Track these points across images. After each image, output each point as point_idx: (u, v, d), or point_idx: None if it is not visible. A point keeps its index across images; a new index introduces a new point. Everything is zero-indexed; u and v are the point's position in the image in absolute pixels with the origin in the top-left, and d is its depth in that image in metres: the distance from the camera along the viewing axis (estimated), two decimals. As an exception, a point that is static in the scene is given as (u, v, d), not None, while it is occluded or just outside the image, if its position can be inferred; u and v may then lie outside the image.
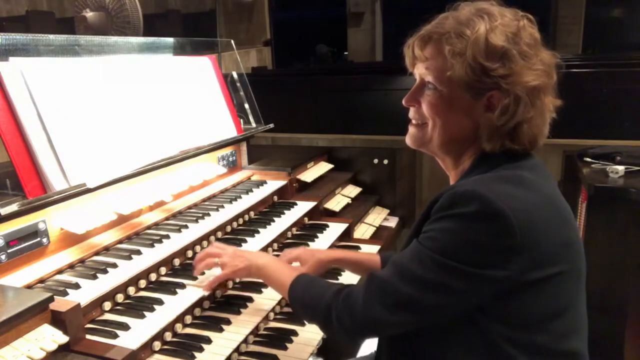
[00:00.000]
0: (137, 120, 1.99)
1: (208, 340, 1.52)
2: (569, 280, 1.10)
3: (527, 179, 1.10)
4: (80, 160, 1.70)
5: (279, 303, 1.78)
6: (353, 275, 2.02)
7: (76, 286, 1.49)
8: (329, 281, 1.34)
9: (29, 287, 1.47)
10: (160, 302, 1.56)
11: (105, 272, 1.58)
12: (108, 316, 1.50)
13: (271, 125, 2.81)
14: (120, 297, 1.55)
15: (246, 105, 2.80)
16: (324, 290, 1.25)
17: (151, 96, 2.11)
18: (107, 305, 1.51)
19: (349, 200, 2.92)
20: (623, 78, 3.47)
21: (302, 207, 2.47)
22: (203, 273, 1.71)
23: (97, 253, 1.72)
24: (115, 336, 1.39)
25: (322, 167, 3.08)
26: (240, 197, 2.32)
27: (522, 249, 1.01)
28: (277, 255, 1.83)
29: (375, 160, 3.25)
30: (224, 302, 1.74)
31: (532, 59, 1.12)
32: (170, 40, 2.55)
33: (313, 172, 2.93)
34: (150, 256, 1.71)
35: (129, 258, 1.67)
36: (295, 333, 1.66)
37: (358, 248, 2.37)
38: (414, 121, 1.28)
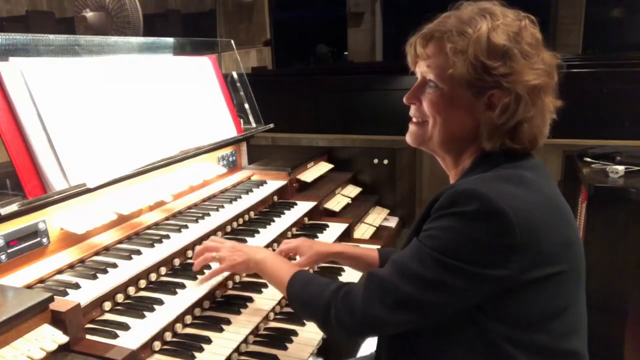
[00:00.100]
0: (137, 120, 1.99)
1: (208, 340, 1.52)
2: (569, 280, 1.11)
3: (528, 179, 1.10)
4: (80, 160, 1.70)
5: (279, 303, 1.78)
6: (354, 275, 2.02)
7: (76, 286, 1.49)
8: (328, 279, 1.34)
9: (29, 287, 1.47)
10: (160, 302, 1.56)
11: (105, 272, 1.58)
12: (108, 316, 1.50)
13: (271, 125, 2.81)
14: (120, 297, 1.55)
15: (246, 105, 2.80)
16: (323, 288, 1.25)
17: (151, 96, 2.11)
18: (107, 305, 1.51)
19: (349, 200, 2.92)
20: (623, 78, 3.47)
21: (302, 207, 2.48)
22: (202, 272, 1.71)
23: (97, 253, 1.72)
24: (115, 336, 1.39)
25: (322, 167, 3.08)
26: (240, 197, 2.32)
27: (522, 248, 1.02)
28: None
29: (375, 160, 3.25)
30: (224, 302, 1.74)
31: (533, 58, 1.12)
32: (170, 40, 2.55)
33: (313, 172, 2.93)
34: (150, 256, 1.71)
35: (129, 258, 1.67)
36: (295, 333, 1.66)
37: (358, 248, 2.37)
38: (414, 119, 1.28)
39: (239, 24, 8.61)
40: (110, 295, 1.52)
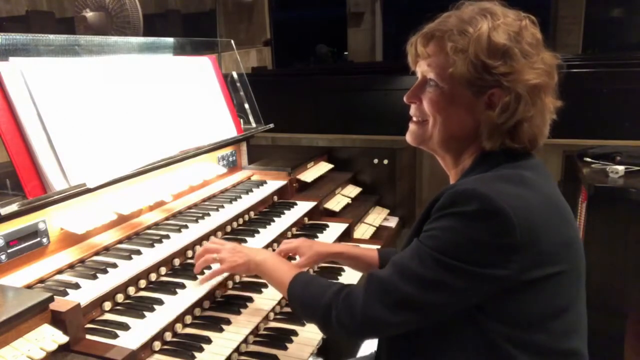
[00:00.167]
0: (137, 120, 1.99)
1: (208, 340, 1.52)
2: (569, 280, 1.11)
3: (528, 179, 1.10)
4: (80, 160, 1.70)
5: (279, 303, 1.78)
6: (354, 275, 2.02)
7: (76, 286, 1.49)
8: (329, 280, 1.34)
9: (29, 287, 1.47)
10: (160, 302, 1.56)
11: (105, 272, 1.58)
12: (108, 316, 1.50)
13: (271, 125, 2.81)
14: (120, 297, 1.55)
15: (246, 105, 2.80)
16: (324, 289, 1.25)
17: (151, 96, 2.11)
18: (107, 305, 1.51)
19: (349, 200, 2.92)
20: (623, 78, 3.47)
21: (302, 207, 2.48)
22: (203, 273, 1.71)
23: (97, 253, 1.72)
24: (115, 336, 1.39)
25: (322, 167, 3.08)
26: (240, 197, 2.32)
27: (523, 247, 1.02)
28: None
29: (375, 160, 3.25)
30: (224, 302, 1.74)
31: (534, 57, 1.13)
32: (170, 40, 2.55)
33: (313, 172, 2.93)
34: (150, 256, 1.71)
35: (129, 258, 1.67)
36: (295, 333, 1.66)
37: (358, 248, 2.37)
38: (414, 118, 1.28)
39: (239, 24, 8.61)
40: (110, 295, 1.52)
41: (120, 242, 1.81)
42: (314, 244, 1.72)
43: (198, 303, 1.65)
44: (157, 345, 1.47)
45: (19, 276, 1.50)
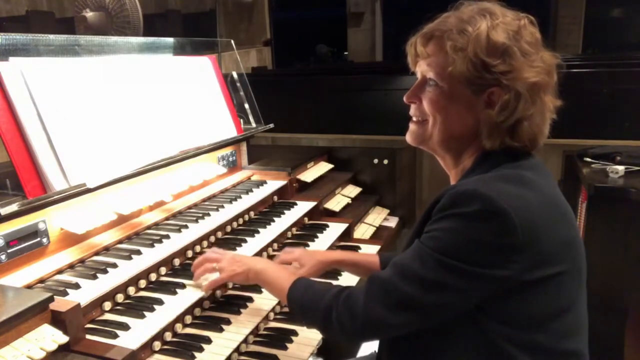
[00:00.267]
0: (137, 120, 1.99)
1: (208, 340, 1.52)
2: (570, 280, 1.10)
3: (528, 179, 1.10)
4: (80, 160, 1.70)
5: (279, 303, 1.77)
6: (353, 276, 2.02)
7: (76, 286, 1.49)
8: (329, 283, 1.33)
9: (29, 287, 1.47)
10: (160, 302, 1.56)
11: (105, 272, 1.58)
12: (108, 316, 1.50)
13: (271, 125, 2.81)
14: (120, 297, 1.55)
15: (246, 105, 2.80)
16: (324, 292, 1.24)
17: (151, 96, 2.11)
18: (107, 305, 1.51)
19: (349, 200, 2.92)
20: (623, 78, 3.47)
21: (302, 207, 2.47)
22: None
23: (97, 253, 1.72)
24: (115, 336, 1.39)
25: (322, 167, 3.08)
26: (240, 197, 2.32)
27: (524, 248, 1.01)
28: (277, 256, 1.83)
29: (375, 160, 3.25)
30: (224, 302, 1.74)
31: (532, 56, 1.13)
32: (170, 40, 2.55)
33: (313, 172, 2.93)
34: (150, 256, 1.71)
35: (129, 258, 1.67)
36: (295, 333, 1.66)
37: (358, 248, 2.37)
38: (414, 118, 1.28)
39: (239, 24, 8.60)
40: (110, 295, 1.52)
41: (120, 242, 1.81)
42: (314, 253, 1.72)
43: (198, 303, 1.65)
44: (157, 345, 1.47)
45: (19, 276, 1.50)
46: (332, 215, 2.69)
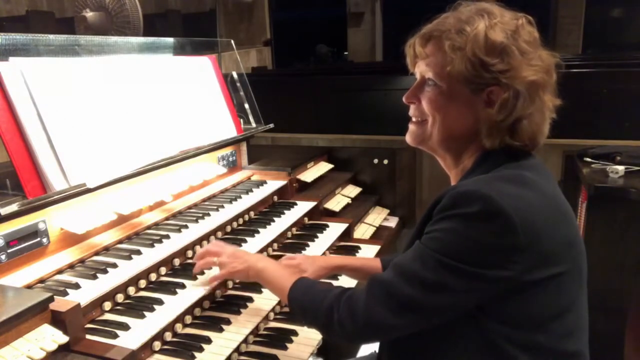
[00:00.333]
0: (137, 120, 1.99)
1: (208, 340, 1.52)
2: (571, 280, 1.10)
3: (529, 179, 1.10)
4: (80, 160, 1.70)
5: (279, 303, 1.78)
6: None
7: (76, 286, 1.49)
8: (330, 284, 1.33)
9: (29, 287, 1.47)
10: (160, 302, 1.56)
11: (105, 272, 1.58)
12: (108, 316, 1.50)
13: (271, 125, 2.81)
14: (120, 297, 1.55)
15: (246, 105, 2.80)
16: (325, 293, 1.24)
17: (151, 96, 2.11)
18: (107, 305, 1.51)
19: (349, 200, 2.92)
20: (623, 78, 3.47)
21: (302, 207, 2.47)
22: (203, 272, 1.71)
23: (97, 253, 1.72)
24: (115, 336, 1.39)
25: (322, 167, 3.08)
26: (240, 197, 2.32)
27: (525, 248, 1.01)
28: (277, 256, 1.83)
29: (375, 160, 3.25)
30: (224, 302, 1.74)
31: (531, 55, 1.13)
32: (170, 40, 2.55)
33: (313, 172, 2.93)
34: (150, 256, 1.71)
35: (129, 258, 1.67)
36: (295, 333, 1.66)
37: (358, 248, 2.37)
38: (414, 119, 1.28)
39: (239, 24, 8.60)
40: (110, 295, 1.52)
41: (120, 242, 1.81)
42: (316, 259, 1.72)
43: (198, 303, 1.65)
44: (157, 345, 1.47)
45: (19, 276, 1.50)
46: (332, 215, 2.69)
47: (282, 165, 2.69)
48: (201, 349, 1.48)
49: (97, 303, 1.49)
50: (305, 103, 4.22)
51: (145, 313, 1.50)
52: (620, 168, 2.52)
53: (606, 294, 2.35)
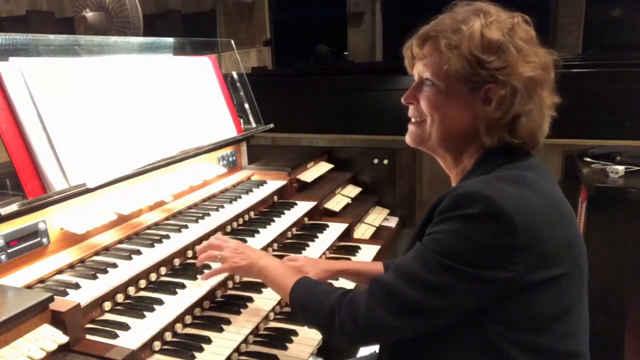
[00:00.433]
0: (137, 120, 1.99)
1: (208, 340, 1.52)
2: (572, 281, 1.10)
3: (529, 179, 1.10)
4: (80, 160, 1.70)
5: (279, 303, 1.77)
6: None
7: (76, 286, 1.49)
8: (332, 285, 1.33)
9: (29, 287, 1.47)
10: (160, 302, 1.56)
11: (105, 272, 1.58)
12: (108, 316, 1.50)
13: (271, 125, 2.81)
14: (120, 297, 1.55)
15: (246, 105, 2.80)
16: (327, 294, 1.24)
17: (151, 96, 2.11)
18: (107, 305, 1.51)
19: (349, 200, 2.92)
20: (623, 78, 3.47)
21: (302, 207, 2.47)
22: (209, 267, 1.71)
23: (97, 253, 1.72)
24: (115, 336, 1.39)
25: (322, 167, 3.08)
26: (240, 197, 2.32)
27: (526, 249, 1.01)
28: (277, 256, 1.83)
29: (375, 160, 3.25)
30: (224, 302, 1.74)
31: (527, 52, 1.14)
32: (170, 40, 2.55)
33: (313, 172, 2.93)
34: (150, 256, 1.71)
35: (129, 258, 1.67)
36: (295, 333, 1.66)
37: (358, 248, 2.37)
38: (413, 119, 1.29)
39: (239, 24, 8.60)
40: (110, 295, 1.52)
41: (120, 242, 1.81)
42: (318, 262, 1.72)
43: (198, 303, 1.65)
44: (157, 345, 1.47)
45: (19, 276, 1.50)
46: (332, 215, 2.69)
47: (282, 165, 2.69)
48: (201, 349, 1.47)
49: (97, 303, 1.49)
50: (305, 103, 4.22)
51: (145, 313, 1.50)
52: (620, 168, 2.51)
53: (606, 294, 2.35)
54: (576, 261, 1.12)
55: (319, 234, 2.34)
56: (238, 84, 2.80)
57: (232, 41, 3.13)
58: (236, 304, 1.71)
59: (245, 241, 2.01)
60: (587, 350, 1.17)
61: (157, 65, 2.23)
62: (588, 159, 2.76)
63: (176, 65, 2.36)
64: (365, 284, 1.72)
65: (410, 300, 1.08)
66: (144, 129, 2.00)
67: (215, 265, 1.67)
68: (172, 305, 1.56)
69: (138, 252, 1.71)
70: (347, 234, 2.49)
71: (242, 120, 2.71)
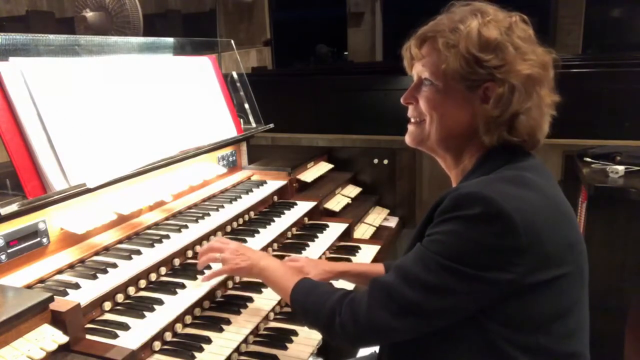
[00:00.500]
0: (137, 120, 1.99)
1: (208, 340, 1.52)
2: (573, 281, 1.10)
3: (530, 180, 1.10)
4: (80, 160, 1.70)
5: (279, 303, 1.77)
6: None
7: (76, 286, 1.49)
8: (333, 286, 1.33)
9: (29, 287, 1.47)
10: (160, 302, 1.56)
11: (105, 272, 1.58)
12: (108, 316, 1.50)
13: (271, 125, 2.81)
14: (120, 297, 1.55)
15: (246, 105, 2.80)
16: (328, 295, 1.24)
17: (151, 96, 2.11)
18: (107, 305, 1.51)
19: (349, 200, 2.92)
20: (623, 78, 3.47)
21: (302, 207, 2.47)
22: (210, 267, 1.70)
23: (97, 253, 1.72)
24: (115, 336, 1.39)
25: (322, 167, 3.08)
26: (240, 197, 2.32)
27: (527, 250, 1.01)
28: (277, 256, 1.82)
29: (375, 160, 3.25)
30: (224, 302, 1.74)
31: (524, 50, 1.14)
32: (170, 40, 2.55)
33: (313, 172, 2.93)
34: (150, 256, 1.71)
35: (129, 258, 1.67)
36: (295, 333, 1.66)
37: (358, 248, 2.37)
38: (412, 119, 1.29)
39: (239, 24, 8.60)
40: (110, 295, 1.52)
41: (120, 242, 1.81)
42: (319, 262, 1.72)
43: (198, 303, 1.65)
44: (157, 345, 1.47)
45: (19, 276, 1.50)
46: (332, 215, 2.69)
47: (282, 165, 2.69)
48: (201, 349, 1.47)
49: (97, 303, 1.49)
50: (305, 103, 4.22)
51: (145, 313, 1.50)
52: (620, 168, 2.51)
53: (606, 294, 2.35)
54: (577, 261, 1.11)
55: (319, 234, 2.34)
56: (238, 84, 2.80)
57: (232, 41, 3.13)
58: (236, 304, 1.71)
59: (245, 241, 2.01)
60: (587, 350, 1.17)
61: (157, 65, 2.23)
62: (588, 159, 2.76)
63: (176, 65, 2.36)
64: (366, 286, 1.73)
65: (410, 301, 1.08)
66: (144, 129, 2.00)
67: (215, 267, 1.67)
68: (172, 305, 1.56)
69: (138, 252, 1.71)
70: (347, 234, 2.49)
71: (242, 120, 2.71)
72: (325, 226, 2.44)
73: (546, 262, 1.04)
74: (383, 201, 3.26)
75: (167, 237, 1.85)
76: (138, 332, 1.42)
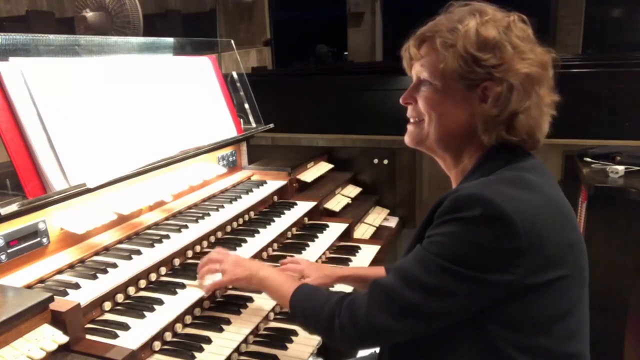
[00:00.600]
0: (137, 120, 1.99)
1: (208, 340, 1.52)
2: (573, 283, 1.10)
3: (530, 181, 1.09)
4: (80, 160, 1.70)
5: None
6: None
7: (76, 286, 1.49)
8: (332, 289, 1.33)
9: (29, 287, 1.47)
10: (160, 302, 1.56)
11: (105, 272, 1.58)
12: (108, 316, 1.50)
13: (271, 125, 2.81)
14: (120, 297, 1.55)
15: (246, 105, 2.80)
16: (326, 298, 1.24)
17: (151, 96, 2.11)
18: (107, 305, 1.51)
19: (349, 200, 2.92)
20: (623, 78, 3.47)
21: (302, 207, 2.47)
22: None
23: (97, 253, 1.72)
24: (115, 336, 1.39)
25: (322, 167, 3.08)
26: (240, 197, 2.32)
27: (527, 251, 1.01)
28: (277, 256, 1.83)
29: (375, 160, 3.26)
30: (224, 302, 1.74)
31: (523, 49, 1.14)
32: (170, 40, 2.55)
33: (313, 172, 2.93)
34: (150, 256, 1.71)
35: (129, 258, 1.67)
36: (295, 333, 1.66)
37: (358, 248, 2.37)
38: (411, 119, 1.29)
39: (239, 24, 8.60)
40: (110, 295, 1.52)
41: (120, 242, 1.81)
42: (320, 266, 1.72)
43: (198, 303, 1.65)
44: (157, 345, 1.47)
45: (19, 276, 1.50)
46: (332, 215, 2.69)
47: (282, 165, 2.69)
48: (201, 349, 1.48)
49: (97, 303, 1.49)
50: (305, 103, 4.22)
51: (145, 313, 1.50)
52: (620, 168, 2.51)
53: (606, 294, 2.35)
54: (577, 262, 1.11)
55: (319, 234, 2.34)
56: (238, 84, 2.80)
57: (232, 41, 3.13)
58: (236, 304, 1.71)
59: (245, 241, 2.01)
60: (588, 350, 1.17)
61: (157, 65, 2.23)
62: (588, 159, 2.76)
63: (176, 65, 2.36)
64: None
65: (410, 303, 1.07)
66: (144, 129, 2.00)
67: (216, 277, 1.67)
68: (172, 305, 1.56)
69: (138, 252, 1.71)
70: (347, 234, 2.49)
71: (242, 120, 2.71)
72: (325, 226, 2.44)
73: (546, 263, 1.04)
74: (383, 201, 3.26)
75: (167, 237, 1.85)
76: (138, 332, 1.42)
